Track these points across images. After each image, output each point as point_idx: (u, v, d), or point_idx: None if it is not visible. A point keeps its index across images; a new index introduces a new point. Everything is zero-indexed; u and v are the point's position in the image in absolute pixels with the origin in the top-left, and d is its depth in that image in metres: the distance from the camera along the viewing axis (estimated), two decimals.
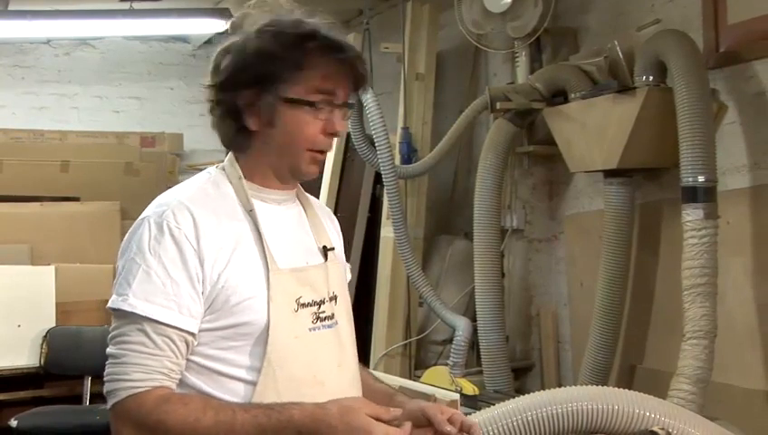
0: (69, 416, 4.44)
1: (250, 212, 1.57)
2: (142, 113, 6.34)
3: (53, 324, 4.81)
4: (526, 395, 2.56)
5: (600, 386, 2.83)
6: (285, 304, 1.54)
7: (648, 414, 2.45)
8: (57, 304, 4.88)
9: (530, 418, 2.45)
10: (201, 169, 5.53)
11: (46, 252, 5.23)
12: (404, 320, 4.51)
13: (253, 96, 1.55)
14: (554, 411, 2.45)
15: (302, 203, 1.71)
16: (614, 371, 3.65)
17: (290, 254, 1.59)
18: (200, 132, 6.41)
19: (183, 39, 6.43)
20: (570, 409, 2.45)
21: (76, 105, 6.21)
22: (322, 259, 1.65)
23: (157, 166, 6.00)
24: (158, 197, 1.58)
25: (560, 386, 3.19)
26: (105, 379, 1.48)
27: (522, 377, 4.31)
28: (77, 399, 4.66)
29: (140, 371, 1.45)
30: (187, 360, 1.50)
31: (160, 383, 1.46)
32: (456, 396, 2.83)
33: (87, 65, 6.25)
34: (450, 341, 4.17)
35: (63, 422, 4.38)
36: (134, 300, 1.45)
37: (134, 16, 5.18)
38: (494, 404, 2.57)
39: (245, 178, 1.59)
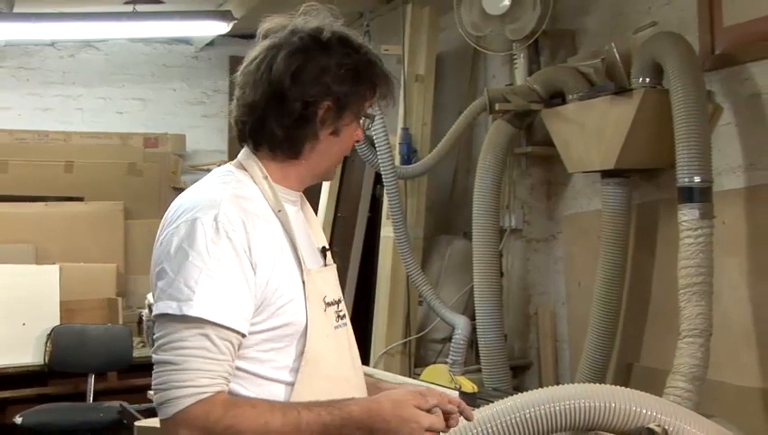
0: (73, 413, 4.45)
1: (279, 213, 1.56)
2: (145, 114, 6.34)
3: (58, 323, 4.81)
4: (524, 393, 2.56)
5: (597, 384, 2.82)
6: (318, 304, 1.55)
7: (644, 411, 2.45)
8: (61, 303, 4.89)
9: (528, 415, 2.45)
10: (203, 170, 5.54)
11: (50, 251, 5.24)
12: (404, 318, 4.51)
13: (334, 107, 1.55)
14: (552, 409, 2.45)
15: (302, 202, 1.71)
16: (611, 369, 3.65)
17: (310, 255, 1.60)
18: (202, 133, 6.43)
19: (186, 41, 6.43)
20: (567, 406, 2.45)
21: (80, 106, 6.21)
22: (323, 261, 1.66)
23: (160, 166, 6.01)
24: (196, 196, 1.54)
25: (557, 384, 3.20)
26: (160, 387, 1.42)
27: (520, 375, 4.31)
28: (81, 396, 4.66)
29: (206, 376, 1.41)
30: None
31: (221, 388, 1.43)
32: (456, 394, 2.83)
33: (91, 67, 6.24)
34: (449, 339, 4.17)
35: (67, 419, 4.39)
36: (199, 305, 1.41)
37: (137, 19, 5.18)
38: (492, 402, 2.57)
39: (272, 178, 1.58)
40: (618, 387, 2.59)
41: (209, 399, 1.40)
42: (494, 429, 2.45)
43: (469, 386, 3.78)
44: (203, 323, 1.41)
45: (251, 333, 1.48)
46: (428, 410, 1.48)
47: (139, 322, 5.26)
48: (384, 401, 1.46)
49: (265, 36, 1.58)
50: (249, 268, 1.46)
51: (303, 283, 1.53)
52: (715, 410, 2.95)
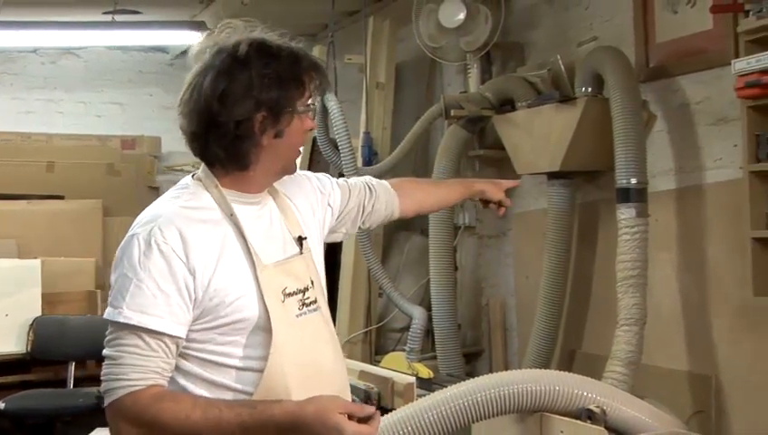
0: (54, 399, 4.39)
1: (231, 216, 1.55)
2: (123, 118, 6.27)
3: (39, 313, 4.74)
4: (476, 378, 2.58)
5: (543, 369, 2.85)
6: (274, 297, 1.54)
7: (585, 394, 2.48)
8: (43, 295, 4.81)
9: (480, 398, 2.47)
10: (178, 170, 5.52)
11: (33, 246, 5.16)
12: (365, 309, 4.51)
13: (269, 115, 1.52)
14: (502, 392, 2.47)
15: (272, 196, 1.68)
16: (556, 355, 3.68)
17: (272, 249, 1.58)
18: (177, 136, 6.30)
19: (162, 49, 6.37)
20: (516, 390, 2.47)
21: (61, 110, 6.13)
22: (298, 249, 1.64)
23: (136, 167, 5.95)
24: (144, 212, 1.56)
25: (507, 369, 3.22)
26: (102, 378, 1.48)
27: (472, 361, 4.33)
28: (62, 383, 4.60)
29: (136, 371, 1.45)
30: (193, 356, 1.52)
31: (155, 382, 1.46)
32: (413, 379, 2.84)
33: (72, 73, 6.17)
34: (407, 328, 4.17)
35: (49, 405, 4.33)
36: (128, 312, 1.46)
37: (116, 28, 5.12)
38: (446, 386, 2.58)
39: (224, 186, 1.57)
40: (561, 372, 2.62)
41: (139, 392, 1.45)
42: (448, 411, 2.46)
43: (425, 372, 3.80)
44: (134, 328, 1.46)
45: (204, 330, 1.50)
46: (365, 420, 1.45)
47: None
48: (308, 407, 1.44)
49: (195, 62, 1.57)
50: (186, 274, 1.47)
51: (257, 278, 1.52)
52: (648, 391, 3.00)
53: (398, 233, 4.72)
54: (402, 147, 4.12)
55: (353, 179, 1.92)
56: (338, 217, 1.84)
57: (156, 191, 6.15)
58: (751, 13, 2.66)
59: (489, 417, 2.50)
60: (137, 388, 1.45)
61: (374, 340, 4.51)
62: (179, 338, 1.49)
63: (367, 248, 4.24)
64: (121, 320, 1.46)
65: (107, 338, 1.49)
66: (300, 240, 1.65)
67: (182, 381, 1.53)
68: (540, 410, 2.51)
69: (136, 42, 5.93)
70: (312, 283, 1.64)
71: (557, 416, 2.49)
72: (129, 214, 6.49)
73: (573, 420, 2.47)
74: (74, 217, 5.40)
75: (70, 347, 4.61)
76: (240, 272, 1.52)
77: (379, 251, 4.47)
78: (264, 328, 1.52)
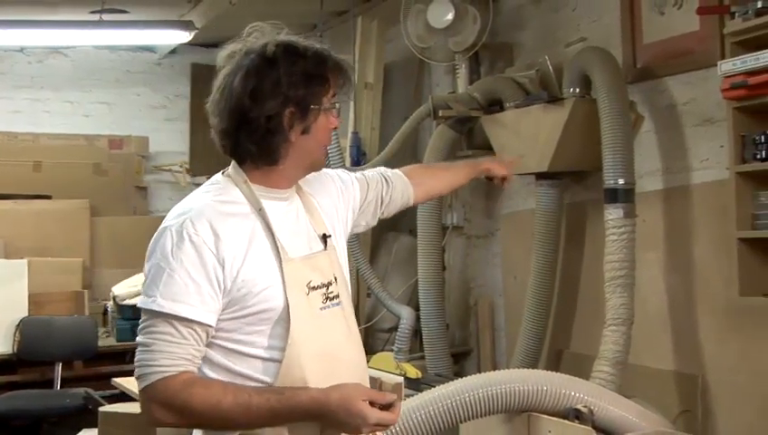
0: (41, 400, 4.37)
1: (259, 211, 1.61)
2: (111, 118, 6.24)
3: (26, 314, 4.72)
4: (464, 378, 2.58)
5: (530, 369, 2.86)
6: (299, 289, 1.60)
7: (573, 394, 2.49)
8: (29, 295, 4.80)
9: (468, 398, 2.47)
10: (165, 170, 5.49)
11: (19, 246, 5.14)
12: (353, 309, 4.50)
13: (296, 111, 1.59)
14: (490, 392, 2.47)
15: (299, 195, 1.74)
16: (543, 355, 3.68)
17: (298, 243, 1.65)
18: (164, 136, 6.35)
19: (149, 49, 6.35)
20: (504, 390, 2.47)
21: (48, 109, 6.09)
22: (323, 246, 1.69)
23: (124, 166, 5.93)
24: (176, 207, 1.62)
25: (495, 369, 3.22)
26: (136, 364, 1.53)
27: (461, 361, 4.33)
28: (48, 383, 4.58)
29: (168, 357, 1.51)
30: (218, 345, 1.57)
31: (185, 368, 1.52)
32: (401, 379, 2.84)
33: (59, 72, 6.13)
34: (395, 329, 4.17)
35: (35, 405, 4.31)
36: (161, 301, 1.51)
37: (103, 27, 5.10)
38: (435, 386, 2.58)
39: (253, 182, 1.63)
40: (549, 372, 2.63)
41: (171, 377, 1.50)
42: (437, 411, 2.46)
43: (413, 372, 3.80)
44: (167, 316, 1.51)
45: (231, 319, 1.56)
46: (387, 407, 1.53)
47: (104, 313, 5.19)
48: (333, 394, 1.51)
49: (224, 64, 1.64)
50: (215, 265, 1.53)
51: (282, 271, 1.58)
52: (635, 391, 3.01)
53: (386, 233, 4.72)
54: (390, 147, 4.12)
55: (370, 172, 2.00)
56: (359, 212, 1.92)
57: (144, 191, 6.13)
58: (737, 14, 2.67)
59: (477, 417, 2.51)
60: (168, 374, 1.50)
61: (363, 340, 4.50)
62: (209, 326, 1.54)
63: (355, 248, 4.23)
64: (155, 308, 1.51)
65: (140, 326, 1.55)
66: (324, 238, 1.71)
67: (205, 369, 1.58)
68: (528, 410, 2.52)
69: (123, 41, 5.90)
70: (336, 278, 1.70)
71: (545, 416, 2.50)
72: (117, 214, 6.50)
73: (561, 420, 2.48)
74: (61, 217, 5.38)
75: (56, 348, 4.60)
76: (267, 264, 1.58)
77: (367, 251, 4.47)
78: (288, 319, 1.58)
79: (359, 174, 1.95)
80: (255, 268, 1.56)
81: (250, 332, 1.57)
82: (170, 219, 1.58)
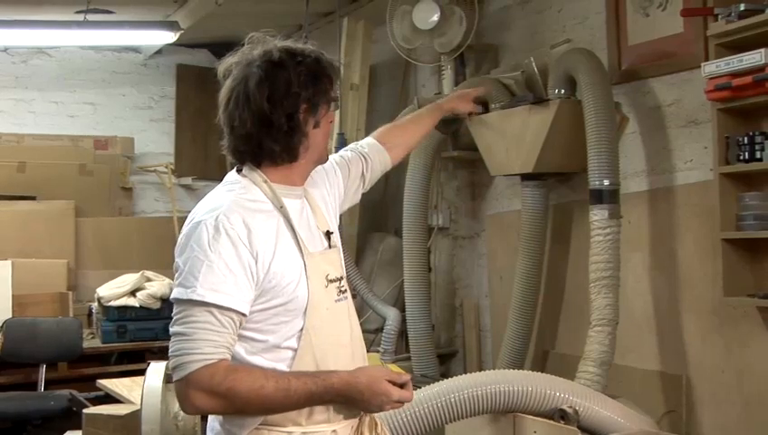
0: (25, 401, 4.33)
1: (281, 208, 1.69)
2: (96, 118, 6.22)
3: (10, 316, 4.68)
4: (450, 378, 2.58)
5: (516, 370, 2.86)
6: (319, 282, 1.69)
7: (558, 394, 2.50)
8: (13, 297, 4.77)
9: (453, 399, 2.47)
10: (151, 171, 5.46)
11: (3, 248, 5.10)
12: None
13: (309, 107, 1.69)
14: (475, 393, 2.48)
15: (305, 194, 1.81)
16: (529, 355, 3.69)
17: (313, 239, 1.73)
18: (150, 136, 6.33)
19: (135, 49, 6.32)
20: (489, 391, 2.47)
21: (33, 110, 6.06)
22: (327, 243, 1.77)
23: (109, 167, 5.90)
24: (201, 204, 1.68)
25: (481, 370, 3.23)
26: (173, 353, 1.58)
27: (447, 362, 4.34)
28: (32, 385, 4.54)
29: (211, 345, 1.56)
30: (245, 336, 1.63)
31: (224, 356, 1.58)
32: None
33: (44, 72, 6.10)
34: (381, 329, 4.17)
35: (19, 407, 4.28)
36: (202, 290, 1.56)
37: (89, 27, 5.06)
38: (421, 387, 2.58)
39: (272, 181, 1.70)
40: (535, 372, 2.63)
41: (213, 364, 1.56)
42: (423, 412, 2.46)
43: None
44: (205, 304, 1.56)
45: (262, 310, 1.62)
46: (402, 385, 1.65)
47: (89, 314, 5.15)
48: (361, 376, 1.63)
49: (225, 77, 1.71)
50: (249, 258, 1.60)
51: (305, 264, 1.66)
52: (621, 391, 3.02)
53: (372, 234, 4.71)
54: None
55: (348, 153, 2.07)
56: (344, 196, 2.00)
57: (129, 192, 6.10)
58: (720, 17, 2.69)
59: (463, 417, 2.51)
60: (211, 361, 1.55)
61: None
62: (244, 315, 1.60)
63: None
64: (195, 297, 1.56)
65: (175, 317, 1.60)
66: (328, 234, 1.79)
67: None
68: (513, 411, 2.52)
69: (109, 41, 5.87)
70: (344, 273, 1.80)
71: (530, 416, 2.50)
72: (102, 214, 6.45)
73: (546, 421, 2.48)
74: (46, 218, 5.35)
75: (40, 349, 4.56)
76: (293, 258, 1.66)
77: (353, 252, 4.46)
78: (307, 310, 1.66)
79: (337, 157, 2.03)
80: (283, 262, 1.63)
81: (277, 322, 1.63)
82: (201, 214, 1.63)
